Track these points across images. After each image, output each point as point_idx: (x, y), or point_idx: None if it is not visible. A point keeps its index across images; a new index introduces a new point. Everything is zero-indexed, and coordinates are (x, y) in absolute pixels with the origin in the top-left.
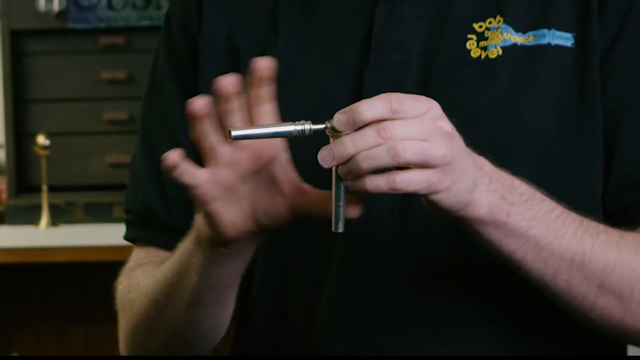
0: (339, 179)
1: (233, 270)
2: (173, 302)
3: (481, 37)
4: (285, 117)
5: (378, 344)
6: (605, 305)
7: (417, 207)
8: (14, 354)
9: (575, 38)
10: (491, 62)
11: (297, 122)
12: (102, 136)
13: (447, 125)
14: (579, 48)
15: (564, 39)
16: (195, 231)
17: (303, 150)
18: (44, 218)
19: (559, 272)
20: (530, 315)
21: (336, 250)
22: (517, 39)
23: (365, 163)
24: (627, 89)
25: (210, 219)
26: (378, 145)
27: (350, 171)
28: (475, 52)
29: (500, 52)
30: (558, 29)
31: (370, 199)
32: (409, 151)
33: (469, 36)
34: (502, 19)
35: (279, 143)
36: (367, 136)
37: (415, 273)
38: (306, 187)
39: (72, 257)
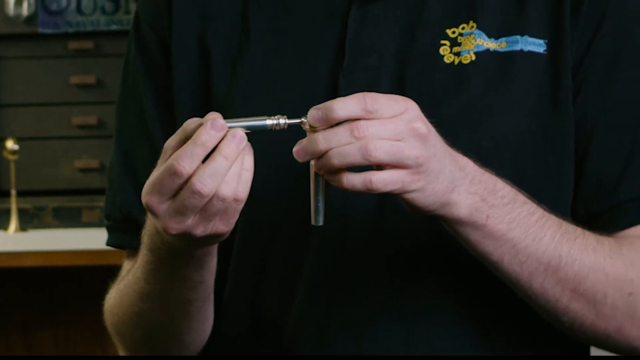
0: (316, 173)
1: (212, 265)
2: (166, 304)
3: (454, 42)
4: None
5: (351, 345)
6: (578, 309)
7: (395, 207)
8: None
9: (548, 44)
10: (464, 67)
11: (272, 116)
12: (71, 141)
13: (422, 126)
14: (551, 54)
15: (536, 45)
16: (163, 244)
17: (284, 146)
18: (13, 223)
19: (534, 275)
20: (509, 314)
21: (309, 252)
22: (490, 44)
23: (336, 160)
24: (598, 97)
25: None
26: (350, 143)
27: (323, 167)
28: (448, 58)
29: (474, 57)
30: (531, 35)
31: (345, 201)
32: (379, 150)
33: (442, 42)
34: (475, 25)
35: None
36: (340, 134)
37: (391, 273)
38: None
39: (41, 261)
